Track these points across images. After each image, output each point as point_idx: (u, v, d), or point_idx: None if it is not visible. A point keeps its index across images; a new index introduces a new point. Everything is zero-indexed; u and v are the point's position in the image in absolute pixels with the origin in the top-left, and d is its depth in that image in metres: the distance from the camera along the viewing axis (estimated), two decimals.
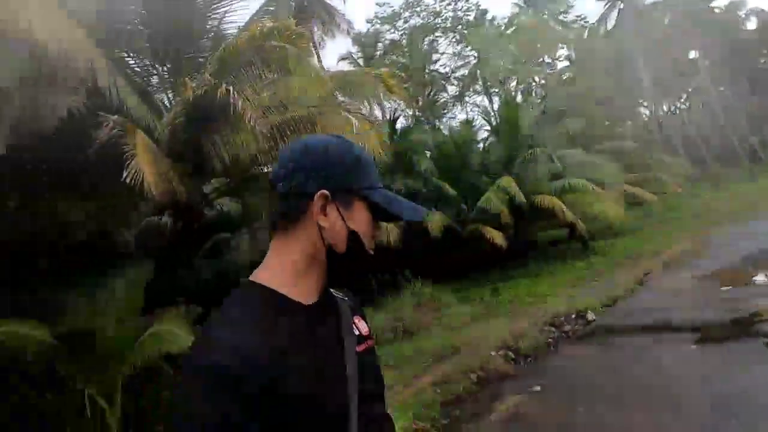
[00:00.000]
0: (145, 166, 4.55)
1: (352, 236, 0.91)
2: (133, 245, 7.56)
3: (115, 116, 4.96)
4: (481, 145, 16.42)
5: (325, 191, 0.89)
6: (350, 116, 6.60)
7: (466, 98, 28.62)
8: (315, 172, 0.90)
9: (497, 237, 11.42)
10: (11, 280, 5.51)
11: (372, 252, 0.96)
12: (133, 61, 6.90)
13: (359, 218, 0.93)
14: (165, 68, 6.93)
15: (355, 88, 7.48)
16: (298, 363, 0.82)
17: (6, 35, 3.85)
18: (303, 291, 0.90)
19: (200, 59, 6.94)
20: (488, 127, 17.79)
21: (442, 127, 21.60)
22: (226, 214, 10.18)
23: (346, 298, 1.03)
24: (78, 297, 5.50)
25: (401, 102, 14.56)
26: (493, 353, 6.59)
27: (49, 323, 4.82)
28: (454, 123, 24.13)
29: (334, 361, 0.91)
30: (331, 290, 0.99)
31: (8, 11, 3.79)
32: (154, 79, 7.17)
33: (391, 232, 9.76)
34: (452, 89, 28.51)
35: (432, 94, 27.20)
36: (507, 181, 12.02)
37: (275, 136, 5.74)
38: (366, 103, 8.23)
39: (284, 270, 0.90)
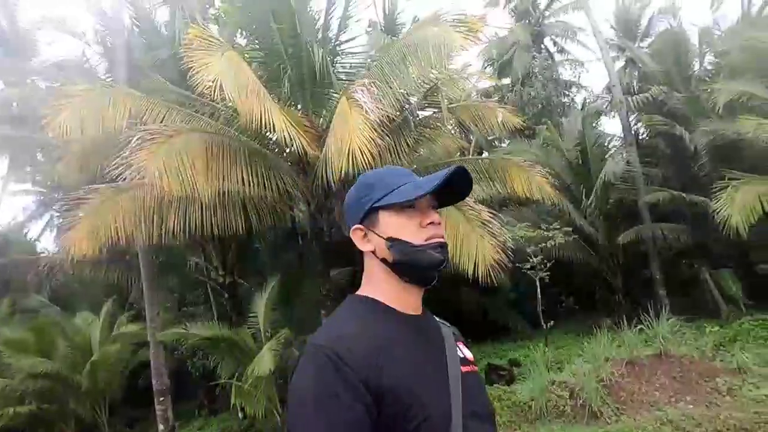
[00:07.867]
0: None
1: (390, 241, 1.03)
2: None
3: None
4: None
5: (355, 226, 1.08)
6: None
7: None
8: (347, 218, 1.12)
9: None
10: None
11: (432, 241, 1.04)
12: None
13: (389, 224, 1.04)
14: None
15: None
16: (397, 358, 0.94)
17: None
18: (404, 305, 1.06)
19: None
20: None
21: None
22: None
23: (449, 325, 1.17)
24: None
25: None
26: None
27: None
28: None
29: (435, 367, 1.01)
30: (434, 316, 1.15)
31: None
32: None
33: None
34: None
35: None
36: None
37: None
38: None
39: (382, 289, 1.06)
